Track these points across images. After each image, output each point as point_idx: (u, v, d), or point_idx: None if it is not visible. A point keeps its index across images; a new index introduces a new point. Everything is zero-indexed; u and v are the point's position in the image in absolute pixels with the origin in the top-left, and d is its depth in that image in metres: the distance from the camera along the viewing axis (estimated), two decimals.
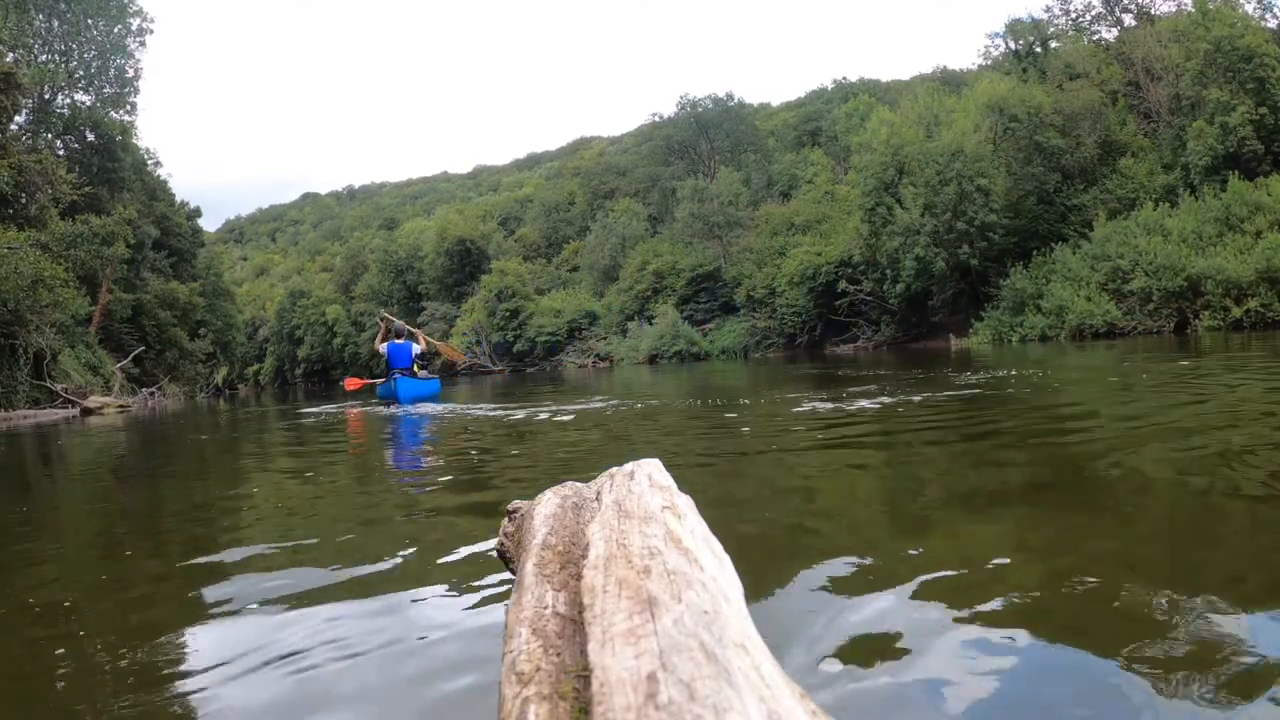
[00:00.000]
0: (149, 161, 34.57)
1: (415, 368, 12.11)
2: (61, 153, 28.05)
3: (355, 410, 11.53)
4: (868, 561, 2.19)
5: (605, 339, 44.89)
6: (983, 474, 3.33)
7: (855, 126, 38.80)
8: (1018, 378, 8.66)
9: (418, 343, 12.39)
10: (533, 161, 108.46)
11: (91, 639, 1.97)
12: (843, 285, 33.29)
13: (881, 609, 1.76)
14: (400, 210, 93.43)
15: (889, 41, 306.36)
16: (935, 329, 30.34)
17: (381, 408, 11.09)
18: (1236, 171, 22.69)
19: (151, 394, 27.27)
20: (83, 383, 22.66)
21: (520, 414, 8.62)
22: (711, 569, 0.99)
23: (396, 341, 12.25)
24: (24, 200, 22.64)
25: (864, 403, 6.59)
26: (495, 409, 9.49)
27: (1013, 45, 33.46)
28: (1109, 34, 32.49)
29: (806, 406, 6.73)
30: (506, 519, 1.60)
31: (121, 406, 22.14)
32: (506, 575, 1.85)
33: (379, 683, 1.57)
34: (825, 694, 1.38)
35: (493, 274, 53.13)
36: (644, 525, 1.09)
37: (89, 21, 30.39)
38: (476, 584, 2.18)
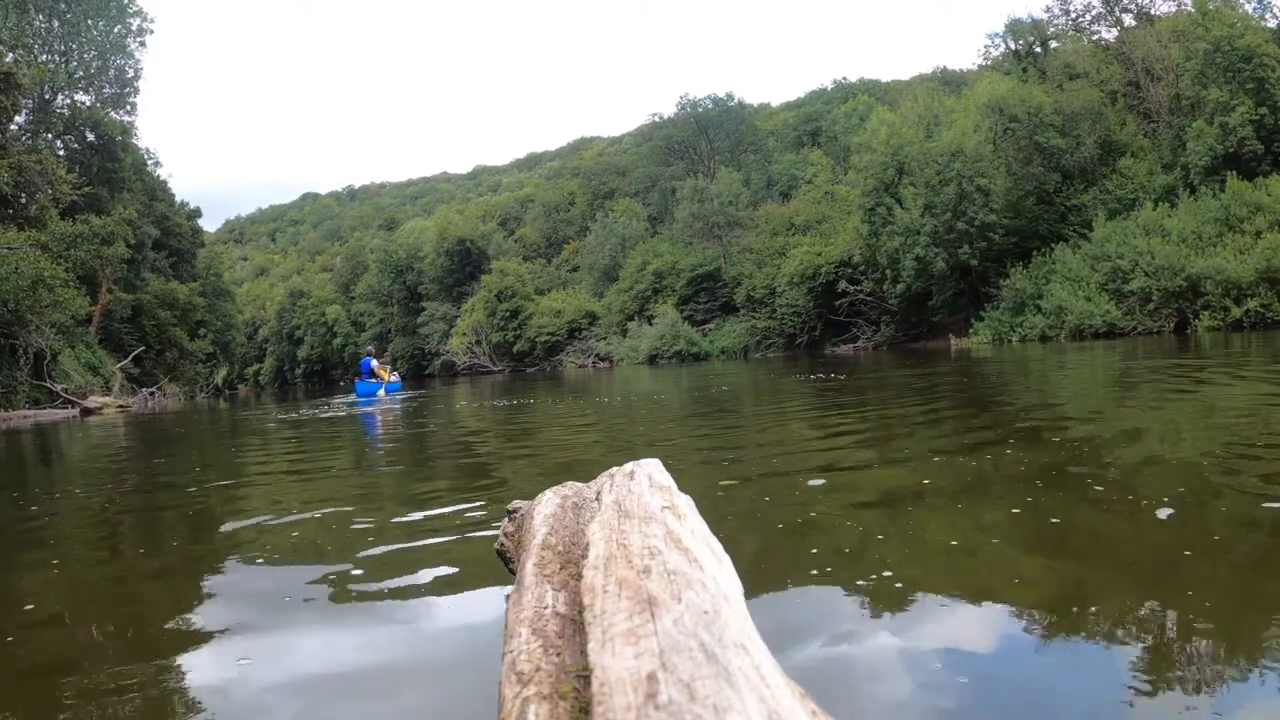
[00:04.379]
0: (149, 162, 34.52)
1: (377, 375, 17.97)
2: (61, 153, 28.01)
3: (353, 410, 12.07)
4: (866, 564, 2.19)
5: (605, 339, 44.83)
6: (980, 484, 3.33)
7: (855, 127, 38.77)
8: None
9: (377, 363, 18.54)
10: (533, 161, 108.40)
11: (90, 634, 1.97)
12: (843, 285, 33.25)
13: (879, 611, 1.76)
14: (400, 210, 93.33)
15: (889, 42, 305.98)
16: (935, 329, 30.31)
17: (373, 409, 12.79)
18: (1235, 171, 22.66)
19: (151, 394, 27.25)
20: (83, 383, 22.64)
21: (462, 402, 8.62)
22: (711, 569, 0.99)
23: (365, 358, 18.69)
24: (24, 200, 22.61)
25: (848, 418, 6.58)
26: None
27: (1013, 45, 33.42)
28: (1109, 34, 32.47)
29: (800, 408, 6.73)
30: (507, 519, 1.60)
31: (121, 406, 22.12)
32: (507, 575, 1.84)
33: (379, 682, 1.57)
34: (825, 694, 1.38)
35: (493, 274, 53.08)
36: (644, 525, 1.09)
37: (89, 22, 30.34)
38: (476, 584, 2.18)
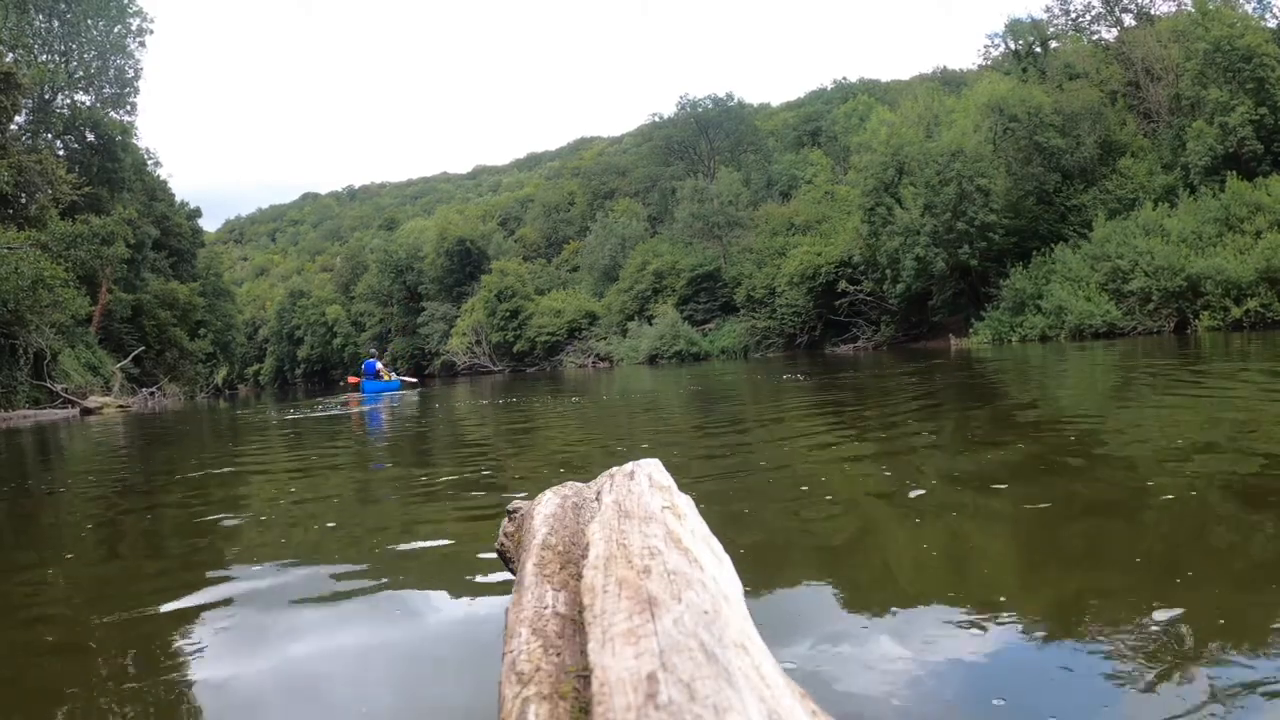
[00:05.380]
0: (149, 161, 34.52)
1: (381, 375, 20.34)
2: (61, 153, 28.00)
3: (355, 406, 12.38)
4: (866, 564, 2.19)
5: (605, 339, 44.81)
6: (980, 486, 3.33)
7: (855, 127, 38.74)
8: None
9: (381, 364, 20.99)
10: (533, 161, 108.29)
11: (90, 635, 1.97)
12: (843, 285, 33.23)
13: (879, 612, 1.76)
14: (400, 210, 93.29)
15: (889, 42, 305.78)
16: (935, 329, 30.29)
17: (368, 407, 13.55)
18: (1235, 171, 22.65)
19: (151, 394, 27.25)
20: (83, 383, 22.65)
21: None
22: (711, 569, 0.99)
23: (369, 360, 20.87)
24: (24, 200, 22.62)
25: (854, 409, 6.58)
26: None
27: (1012, 45, 33.39)
28: (1109, 34, 32.44)
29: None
30: (507, 519, 1.59)
31: (121, 406, 22.13)
32: (506, 575, 1.85)
33: (379, 682, 1.57)
34: (825, 694, 1.38)
35: (493, 274, 53.09)
36: (644, 525, 1.09)
37: (89, 21, 30.34)
38: (476, 584, 2.18)
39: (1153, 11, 31.62)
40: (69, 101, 29.07)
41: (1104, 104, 27.92)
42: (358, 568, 2.47)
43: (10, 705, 1.59)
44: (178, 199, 38.60)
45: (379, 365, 20.61)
